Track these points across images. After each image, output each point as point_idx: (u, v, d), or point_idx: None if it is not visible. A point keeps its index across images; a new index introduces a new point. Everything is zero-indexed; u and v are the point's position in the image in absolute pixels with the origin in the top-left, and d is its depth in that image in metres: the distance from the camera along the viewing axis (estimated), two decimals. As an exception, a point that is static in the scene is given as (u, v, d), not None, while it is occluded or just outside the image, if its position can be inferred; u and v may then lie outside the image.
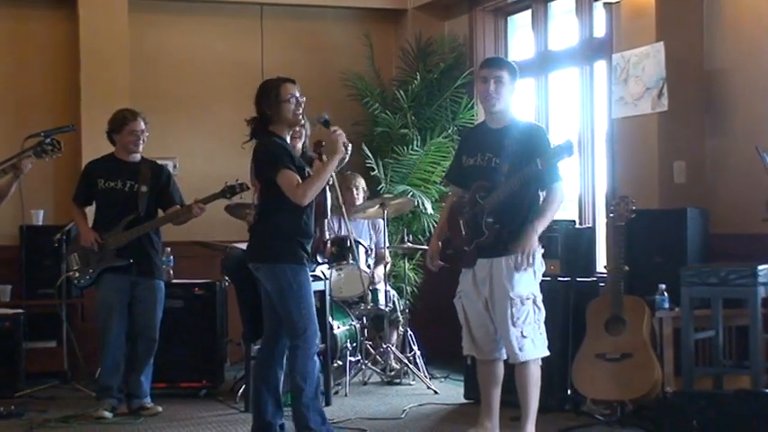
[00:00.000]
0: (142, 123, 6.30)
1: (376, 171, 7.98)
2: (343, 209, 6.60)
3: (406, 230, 7.80)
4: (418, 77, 8.24)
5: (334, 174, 5.41)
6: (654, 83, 6.28)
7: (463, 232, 5.16)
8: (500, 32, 8.49)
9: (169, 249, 6.97)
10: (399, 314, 7.24)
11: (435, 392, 6.81)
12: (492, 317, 5.08)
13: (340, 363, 6.78)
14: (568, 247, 6.24)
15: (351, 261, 6.91)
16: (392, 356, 7.21)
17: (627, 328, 5.70)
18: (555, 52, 7.83)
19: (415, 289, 8.04)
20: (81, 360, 7.05)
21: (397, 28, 8.94)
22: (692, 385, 5.48)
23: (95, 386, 6.44)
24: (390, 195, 7.52)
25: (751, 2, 6.11)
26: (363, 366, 7.14)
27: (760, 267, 5.34)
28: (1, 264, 7.65)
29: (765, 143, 5.68)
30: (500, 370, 5.20)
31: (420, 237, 7.98)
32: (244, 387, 6.40)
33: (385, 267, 7.39)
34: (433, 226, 7.47)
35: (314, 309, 5.24)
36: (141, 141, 6.30)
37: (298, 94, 5.19)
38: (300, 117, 5.24)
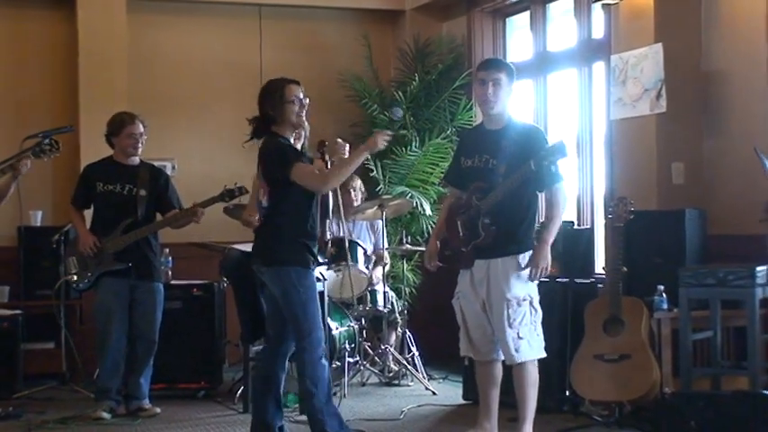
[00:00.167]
0: (140, 126, 6.29)
1: (374, 172, 7.97)
2: (341, 211, 6.60)
3: (404, 231, 7.80)
4: (416, 78, 8.23)
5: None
6: (652, 84, 6.28)
7: (461, 233, 5.16)
8: (498, 33, 8.48)
9: (167, 250, 6.97)
10: (398, 315, 7.22)
11: (434, 393, 6.81)
12: (489, 318, 5.08)
13: (338, 364, 6.76)
14: (567, 248, 6.23)
15: (349, 262, 6.90)
16: (390, 357, 7.21)
17: (625, 329, 5.71)
18: (553, 53, 7.83)
19: (414, 290, 8.03)
20: (79, 361, 7.04)
21: (396, 29, 8.93)
22: (691, 386, 5.47)
23: (94, 387, 6.43)
24: (389, 196, 7.52)
25: (748, 3, 6.11)
26: (362, 367, 7.13)
27: (758, 268, 5.35)
28: (-1, 264, 7.66)
29: (763, 144, 5.69)
30: (498, 371, 5.20)
31: (418, 238, 7.97)
32: (242, 388, 6.39)
33: (383, 268, 7.38)
34: (432, 227, 7.47)
35: (319, 311, 5.22)
36: (140, 144, 6.29)
37: (301, 96, 5.17)
38: (303, 119, 5.21)
